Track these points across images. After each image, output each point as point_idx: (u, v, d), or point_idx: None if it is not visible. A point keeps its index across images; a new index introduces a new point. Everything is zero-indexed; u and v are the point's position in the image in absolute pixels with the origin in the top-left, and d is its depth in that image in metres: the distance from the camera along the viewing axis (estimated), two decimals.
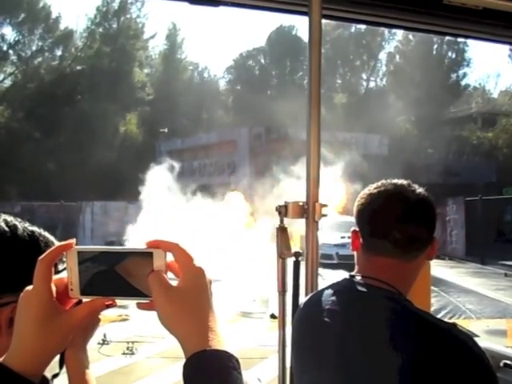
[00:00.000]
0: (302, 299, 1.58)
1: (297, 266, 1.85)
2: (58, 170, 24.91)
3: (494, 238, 20.62)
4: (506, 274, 15.34)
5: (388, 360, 1.19)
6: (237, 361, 0.72)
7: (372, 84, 39.59)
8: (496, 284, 13.71)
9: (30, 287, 0.76)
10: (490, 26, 1.92)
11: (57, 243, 0.94)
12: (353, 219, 1.46)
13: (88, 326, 0.97)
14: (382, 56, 38.96)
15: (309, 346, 1.43)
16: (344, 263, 14.44)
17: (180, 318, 0.73)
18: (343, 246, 16.06)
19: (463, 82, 37.48)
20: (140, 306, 0.77)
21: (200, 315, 0.73)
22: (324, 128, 1.90)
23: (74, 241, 0.78)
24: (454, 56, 36.48)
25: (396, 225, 1.35)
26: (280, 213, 1.84)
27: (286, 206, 1.83)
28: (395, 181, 1.43)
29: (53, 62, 32.18)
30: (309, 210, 1.80)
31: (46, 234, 0.96)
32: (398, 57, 36.98)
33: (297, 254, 1.85)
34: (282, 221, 1.86)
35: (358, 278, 1.40)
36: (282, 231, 1.85)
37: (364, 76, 39.00)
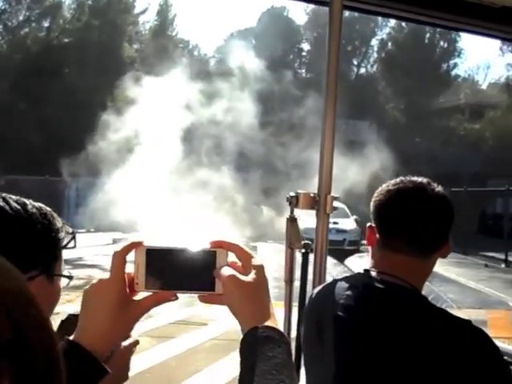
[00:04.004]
0: (309, 290, 1.59)
1: (305, 257, 1.85)
2: (44, 143, 24.50)
3: (476, 229, 20.91)
4: (486, 265, 15.62)
5: (407, 355, 1.21)
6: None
7: (362, 70, 39.49)
8: (477, 274, 13.95)
9: (104, 276, 0.84)
10: (481, 20, 1.91)
11: (56, 216, 1.01)
12: None
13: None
14: (374, 42, 38.83)
15: (320, 339, 1.43)
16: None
17: (250, 308, 0.82)
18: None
19: (453, 73, 37.61)
20: (202, 299, 0.86)
21: (265, 305, 0.84)
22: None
23: (144, 239, 0.86)
24: (445, 45, 36.49)
25: (414, 223, 1.35)
26: (291, 203, 1.83)
27: (297, 197, 1.82)
28: (414, 178, 1.43)
29: (40, 34, 31.46)
30: (320, 202, 1.79)
31: (48, 208, 1.00)
32: (390, 44, 36.87)
33: (306, 246, 1.85)
34: (292, 211, 1.85)
35: (374, 273, 1.40)
36: (292, 222, 1.84)
37: (355, 62, 38.83)
